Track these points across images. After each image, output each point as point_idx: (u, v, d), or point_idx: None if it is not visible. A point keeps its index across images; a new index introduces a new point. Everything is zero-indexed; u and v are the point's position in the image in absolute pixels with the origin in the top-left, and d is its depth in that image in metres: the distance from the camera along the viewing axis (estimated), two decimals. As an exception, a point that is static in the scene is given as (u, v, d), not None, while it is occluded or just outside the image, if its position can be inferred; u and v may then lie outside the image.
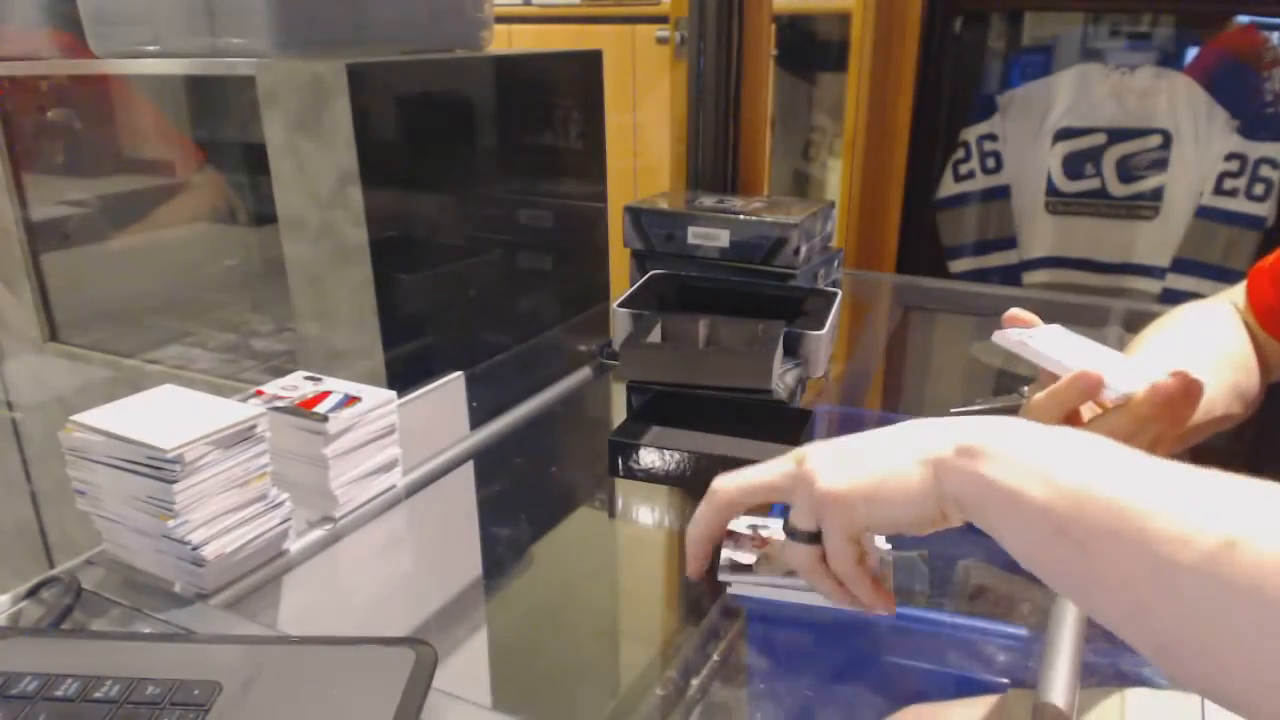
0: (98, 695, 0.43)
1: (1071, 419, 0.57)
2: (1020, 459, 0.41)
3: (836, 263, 1.15)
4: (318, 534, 0.67)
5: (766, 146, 1.39)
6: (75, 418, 0.58)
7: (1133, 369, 0.57)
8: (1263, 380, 0.69)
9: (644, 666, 0.64)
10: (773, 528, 0.65)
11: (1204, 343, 0.69)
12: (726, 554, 0.63)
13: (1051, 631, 0.56)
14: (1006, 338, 0.61)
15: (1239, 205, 1.55)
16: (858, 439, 0.48)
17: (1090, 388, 0.54)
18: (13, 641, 0.48)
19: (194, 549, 0.57)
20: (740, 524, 0.66)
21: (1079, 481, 0.39)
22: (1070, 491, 0.39)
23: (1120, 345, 0.69)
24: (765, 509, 0.73)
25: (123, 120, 1.39)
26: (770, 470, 0.50)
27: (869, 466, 0.46)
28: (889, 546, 0.64)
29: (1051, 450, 0.41)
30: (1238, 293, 0.74)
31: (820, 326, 0.89)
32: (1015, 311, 0.62)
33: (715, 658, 0.59)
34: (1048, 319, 0.62)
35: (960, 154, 1.73)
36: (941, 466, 0.43)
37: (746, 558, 0.62)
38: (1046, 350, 0.58)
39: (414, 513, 0.74)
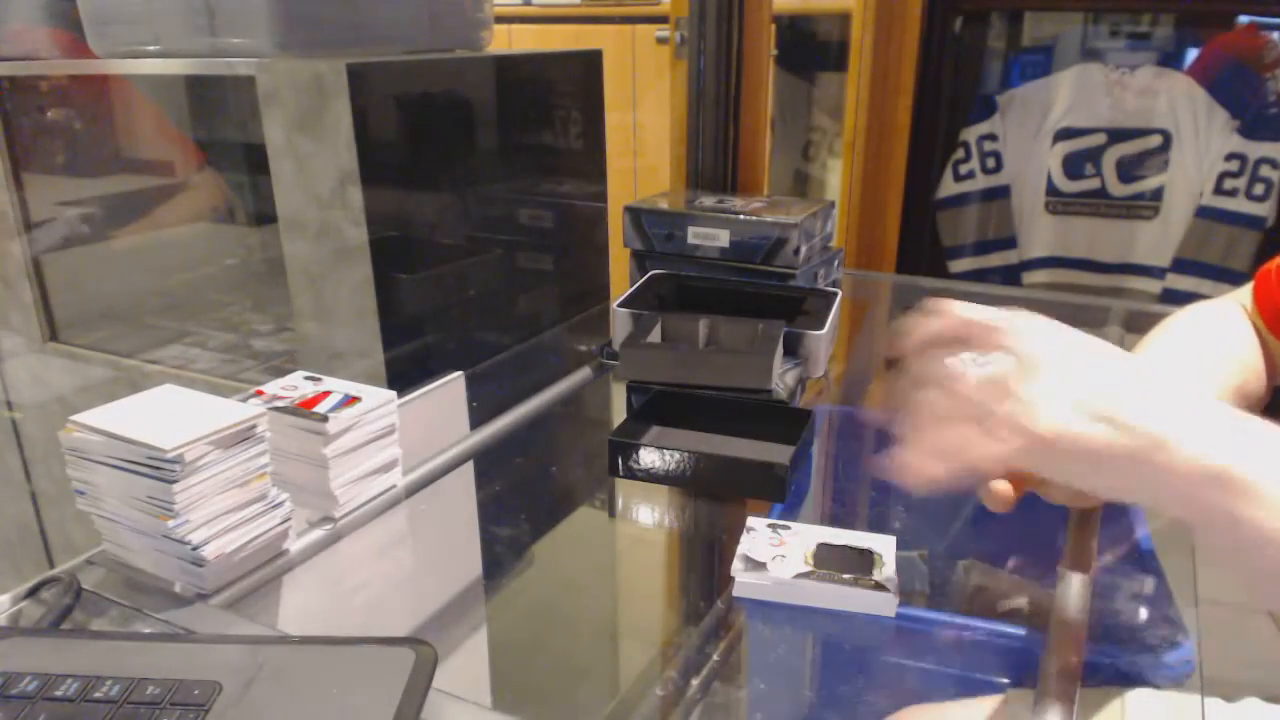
0: (98, 695, 0.43)
1: None
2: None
3: (836, 263, 1.15)
4: (318, 534, 0.67)
5: (766, 146, 1.39)
6: (75, 418, 0.58)
7: None
8: (1269, 382, 0.69)
9: (644, 666, 0.64)
10: (793, 528, 0.65)
11: (1209, 344, 0.69)
12: (743, 550, 0.63)
13: (1051, 631, 0.56)
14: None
15: (1239, 205, 1.55)
16: (1118, 377, 0.47)
17: None
18: (13, 641, 0.48)
19: (194, 549, 0.57)
20: (759, 523, 0.66)
21: None
22: None
23: (1121, 345, 0.69)
24: (765, 509, 0.73)
25: (123, 120, 1.39)
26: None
27: (1101, 429, 0.45)
28: (892, 539, 0.64)
29: None
30: (1245, 294, 0.74)
31: (820, 326, 0.89)
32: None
33: (715, 658, 0.59)
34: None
35: (960, 154, 1.73)
36: (1177, 478, 0.43)
37: (762, 555, 0.62)
38: None
39: (414, 513, 0.74)
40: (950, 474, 0.49)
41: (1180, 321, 0.72)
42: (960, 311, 0.51)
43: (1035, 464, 0.47)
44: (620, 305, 0.93)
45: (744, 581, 0.61)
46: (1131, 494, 0.47)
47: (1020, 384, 0.47)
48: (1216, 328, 0.71)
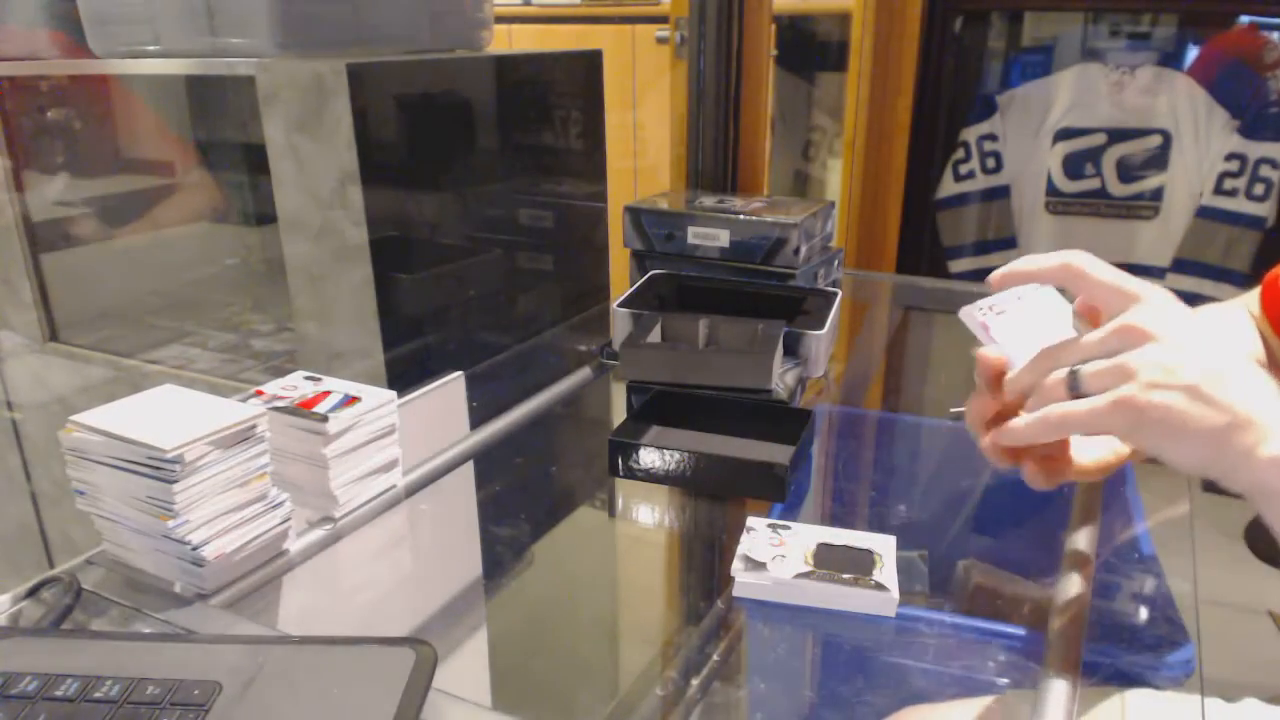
0: (98, 695, 0.43)
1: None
2: None
3: (836, 263, 1.15)
4: (318, 534, 0.67)
5: (766, 146, 1.39)
6: (75, 418, 0.58)
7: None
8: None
9: (644, 666, 0.64)
10: (793, 528, 0.66)
11: None
12: (743, 550, 0.63)
13: (1051, 631, 0.56)
14: (972, 316, 0.57)
15: (1239, 205, 1.55)
16: (1222, 359, 0.47)
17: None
18: (13, 641, 0.48)
19: (194, 549, 0.57)
20: (759, 523, 0.66)
21: None
22: None
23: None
24: (765, 509, 0.73)
25: (123, 120, 1.39)
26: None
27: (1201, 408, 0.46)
28: (892, 539, 0.64)
29: None
30: (1252, 300, 0.73)
31: (820, 326, 0.89)
32: (1011, 270, 0.56)
33: (715, 658, 0.59)
34: None
35: (960, 154, 1.73)
36: (1256, 460, 0.45)
37: (762, 555, 0.62)
38: (1002, 340, 0.56)
39: (414, 513, 0.74)
40: (1039, 431, 0.50)
41: None
42: (1095, 272, 0.51)
43: (1122, 428, 0.48)
44: (620, 305, 0.93)
45: (744, 581, 0.61)
46: (1209, 470, 0.47)
47: (1125, 351, 0.48)
48: (1225, 331, 0.70)
